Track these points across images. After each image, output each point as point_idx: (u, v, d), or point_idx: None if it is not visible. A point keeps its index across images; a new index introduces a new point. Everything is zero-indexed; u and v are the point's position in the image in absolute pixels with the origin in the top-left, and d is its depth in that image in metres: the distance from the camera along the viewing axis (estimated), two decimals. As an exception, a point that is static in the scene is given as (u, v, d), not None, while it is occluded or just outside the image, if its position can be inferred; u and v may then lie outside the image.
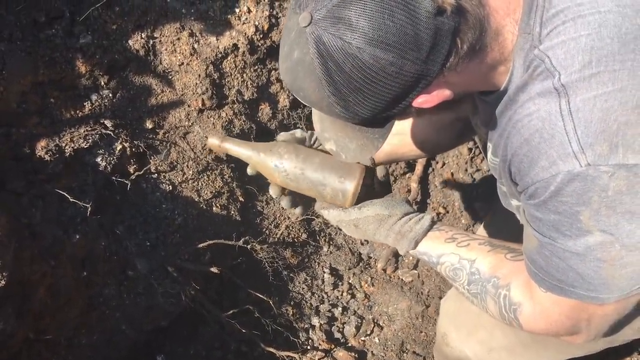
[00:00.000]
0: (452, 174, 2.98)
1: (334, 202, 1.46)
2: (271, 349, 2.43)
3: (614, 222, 1.02)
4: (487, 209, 2.88)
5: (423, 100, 1.08)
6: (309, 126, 2.61)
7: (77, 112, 2.07)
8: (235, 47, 2.26)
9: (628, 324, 1.32)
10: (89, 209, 2.00)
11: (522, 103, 1.08)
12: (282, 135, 1.54)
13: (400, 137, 1.74)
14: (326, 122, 1.26)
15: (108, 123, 2.11)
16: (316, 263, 2.81)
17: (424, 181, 2.99)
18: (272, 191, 1.52)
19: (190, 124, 2.29)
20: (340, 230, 2.77)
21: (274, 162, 1.44)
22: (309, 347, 2.62)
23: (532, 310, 1.24)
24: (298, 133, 1.55)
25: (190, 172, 2.33)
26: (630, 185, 0.99)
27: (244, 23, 2.26)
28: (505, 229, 1.44)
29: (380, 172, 1.56)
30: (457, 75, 1.07)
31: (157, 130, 2.25)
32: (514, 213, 1.89)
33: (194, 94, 2.24)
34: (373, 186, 1.54)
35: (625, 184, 0.99)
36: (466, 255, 1.38)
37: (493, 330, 1.62)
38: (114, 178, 2.13)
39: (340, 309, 2.75)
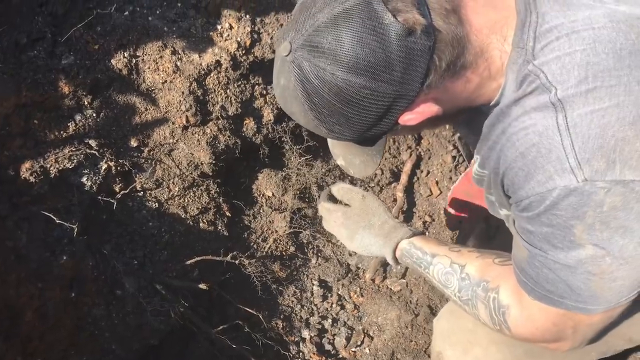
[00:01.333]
0: (437, 182, 3.00)
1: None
2: (262, 364, 2.43)
3: (607, 236, 1.04)
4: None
5: (409, 118, 1.11)
6: (294, 140, 2.62)
7: (61, 132, 2.07)
8: (218, 63, 2.26)
9: (611, 332, 1.34)
10: (76, 230, 2.00)
11: (517, 117, 1.10)
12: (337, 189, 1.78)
13: None
14: (334, 140, 1.36)
15: (92, 143, 2.11)
16: (305, 275, 2.82)
17: (409, 190, 3.01)
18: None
19: (175, 141, 2.30)
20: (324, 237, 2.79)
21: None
22: (299, 360, 2.62)
23: (519, 314, 1.27)
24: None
25: (176, 189, 2.33)
26: (625, 201, 1.00)
27: (226, 39, 2.28)
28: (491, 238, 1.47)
29: None
30: (444, 92, 1.09)
31: (142, 148, 2.25)
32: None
33: (178, 111, 2.24)
34: None
35: (621, 199, 1.00)
36: (457, 260, 1.42)
37: (488, 347, 1.64)
38: (99, 197, 2.12)
39: (330, 320, 2.75)
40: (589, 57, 1.03)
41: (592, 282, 1.09)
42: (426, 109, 1.11)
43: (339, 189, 1.72)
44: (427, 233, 1.57)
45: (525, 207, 1.11)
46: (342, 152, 1.36)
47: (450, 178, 2.96)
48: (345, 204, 1.72)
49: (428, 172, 3.01)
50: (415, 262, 1.50)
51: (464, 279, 1.39)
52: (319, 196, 1.84)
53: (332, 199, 1.77)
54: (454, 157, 2.97)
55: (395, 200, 2.98)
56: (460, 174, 2.98)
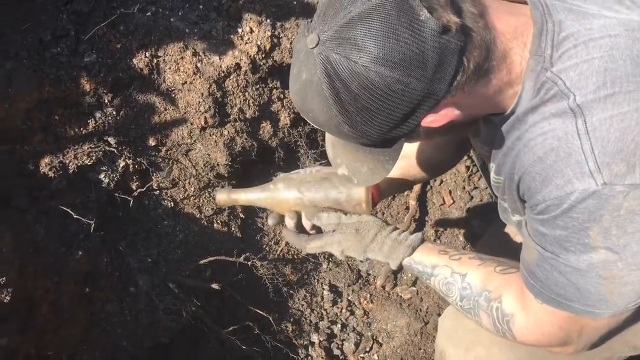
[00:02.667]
0: (450, 191, 3.00)
1: (354, 211, 1.51)
2: (271, 366, 2.44)
3: (623, 242, 1.04)
4: (484, 227, 2.90)
5: (432, 120, 1.10)
6: (309, 144, 2.64)
7: (81, 129, 2.09)
8: (238, 66, 2.29)
9: (615, 338, 1.35)
10: (92, 226, 2.02)
11: (534, 123, 1.10)
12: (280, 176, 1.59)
13: (406, 160, 1.78)
14: (338, 148, 1.28)
15: (111, 140, 2.14)
16: (315, 280, 2.83)
17: (422, 199, 3.02)
18: (271, 220, 1.56)
19: (192, 141, 2.32)
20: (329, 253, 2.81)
21: (286, 189, 1.50)
22: (308, 364, 2.63)
23: (525, 320, 1.27)
24: (293, 173, 1.59)
25: (192, 189, 2.35)
26: None
27: (246, 43, 2.30)
28: (500, 247, 1.47)
29: None
30: (465, 96, 1.09)
31: (160, 148, 2.28)
32: (511, 230, 1.93)
33: (196, 112, 2.27)
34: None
35: (639, 204, 1.01)
36: (458, 269, 1.41)
37: (490, 347, 1.64)
38: (116, 195, 2.15)
39: (339, 325, 2.76)
40: (606, 64, 1.04)
41: (602, 287, 1.10)
42: (448, 112, 1.11)
43: (327, 224, 1.51)
44: (429, 240, 1.52)
45: (541, 211, 1.11)
46: (346, 161, 1.30)
47: (464, 188, 2.97)
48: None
49: (441, 181, 3.02)
50: (417, 274, 1.50)
51: (466, 289, 1.38)
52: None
53: (303, 230, 1.59)
54: (467, 167, 2.97)
55: (407, 208, 2.99)
56: (474, 184, 2.98)
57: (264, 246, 2.66)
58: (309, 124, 2.63)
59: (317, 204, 1.50)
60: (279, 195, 1.51)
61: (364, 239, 1.48)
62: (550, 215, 1.09)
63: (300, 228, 1.57)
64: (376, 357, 2.68)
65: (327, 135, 1.31)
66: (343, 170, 1.30)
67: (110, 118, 2.15)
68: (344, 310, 2.80)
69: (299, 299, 2.75)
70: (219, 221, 2.45)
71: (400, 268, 1.51)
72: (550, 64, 1.08)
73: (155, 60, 2.20)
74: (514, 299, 1.29)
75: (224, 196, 1.57)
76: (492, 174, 1.36)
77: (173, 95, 2.25)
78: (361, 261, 2.90)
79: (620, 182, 1.00)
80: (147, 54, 2.18)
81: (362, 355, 2.69)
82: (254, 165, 2.65)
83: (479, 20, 1.04)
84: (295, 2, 2.36)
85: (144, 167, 2.22)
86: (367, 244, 1.49)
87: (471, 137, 1.50)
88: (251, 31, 2.30)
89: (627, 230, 1.03)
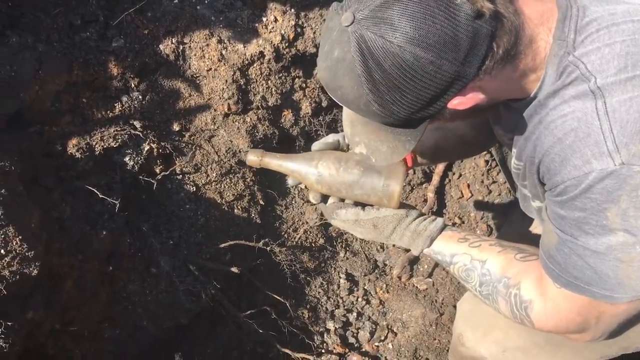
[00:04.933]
0: (468, 185, 3.02)
1: (380, 204, 1.50)
2: (287, 351, 2.47)
3: None
4: (502, 221, 2.92)
5: (458, 102, 1.12)
6: (330, 133, 2.66)
7: (108, 112, 2.14)
8: (262, 54, 2.32)
9: (634, 327, 1.36)
10: (117, 206, 2.07)
11: (555, 106, 1.13)
12: (316, 145, 1.58)
13: (442, 131, 1.78)
14: (357, 126, 1.29)
15: (137, 124, 2.18)
16: (332, 268, 2.86)
17: (440, 191, 3.04)
18: (312, 198, 1.56)
19: (215, 127, 2.36)
20: (350, 234, 2.83)
21: (313, 173, 1.49)
22: (323, 351, 2.66)
23: (543, 306, 1.28)
24: (330, 138, 1.59)
25: (214, 175, 2.39)
26: None
27: (270, 32, 2.34)
28: (519, 240, 1.47)
29: None
30: (491, 80, 1.11)
31: (184, 133, 2.32)
32: (529, 222, 1.94)
33: (220, 98, 2.31)
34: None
35: None
36: (477, 256, 1.42)
37: (508, 331, 1.66)
38: (140, 177, 2.19)
39: (355, 314, 2.79)
40: (628, 48, 1.06)
41: (620, 270, 1.11)
42: (475, 96, 1.13)
43: (345, 220, 1.53)
44: (449, 227, 1.51)
45: (560, 192, 1.13)
46: (365, 140, 1.30)
47: (482, 182, 2.98)
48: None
49: (460, 175, 3.04)
50: (437, 262, 1.51)
51: (485, 275, 1.40)
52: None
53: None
54: (486, 162, 2.98)
55: (425, 200, 3.01)
56: (492, 178, 2.99)
57: (283, 233, 2.69)
58: (330, 114, 2.67)
59: (343, 191, 1.50)
60: (305, 173, 1.51)
61: (383, 232, 1.50)
62: (569, 196, 1.11)
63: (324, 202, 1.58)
64: (391, 346, 2.71)
65: (345, 114, 1.33)
66: (361, 149, 1.31)
67: (136, 102, 2.19)
68: (359, 299, 2.83)
69: (315, 286, 2.79)
70: (239, 207, 2.49)
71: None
72: (573, 48, 1.10)
73: (181, 47, 2.24)
74: (533, 286, 1.30)
75: (255, 158, 1.57)
76: (513, 160, 1.38)
77: (198, 82, 2.30)
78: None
79: (638, 162, 1.02)
80: (174, 41, 2.22)
81: (376, 344, 2.72)
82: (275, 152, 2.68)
83: (509, 6, 1.07)
84: (319, -7, 2.39)
85: (168, 152, 2.26)
86: (386, 237, 1.51)
87: (492, 124, 1.52)
88: (275, 20, 2.34)
89: None
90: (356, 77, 1.09)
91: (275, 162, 1.56)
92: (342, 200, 1.54)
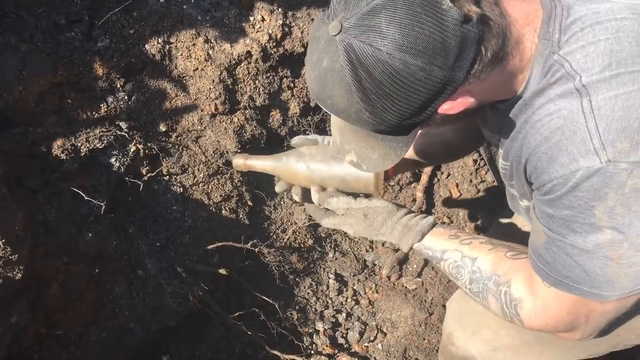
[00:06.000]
0: (457, 184, 3.02)
1: (361, 191, 1.53)
2: (276, 352, 2.45)
3: (628, 221, 1.06)
4: (490, 220, 2.92)
5: (448, 107, 1.12)
6: (318, 134, 2.65)
7: (93, 113, 2.12)
8: (249, 54, 2.31)
9: (622, 325, 1.36)
10: (102, 208, 2.05)
11: (541, 105, 1.13)
12: (296, 139, 1.61)
13: (426, 137, 1.79)
14: (347, 134, 1.29)
15: (123, 125, 2.16)
16: (321, 269, 2.85)
17: (429, 191, 3.03)
18: (295, 195, 1.59)
19: (202, 128, 2.34)
20: (339, 232, 2.82)
21: (297, 163, 1.54)
22: (312, 352, 2.65)
23: (533, 305, 1.28)
24: (310, 136, 1.61)
25: (201, 175, 2.38)
26: None
27: (257, 31, 2.32)
28: (507, 239, 1.47)
29: None
30: (480, 83, 1.11)
31: (170, 134, 2.30)
32: (518, 221, 1.94)
33: (207, 98, 2.29)
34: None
35: None
36: (468, 253, 1.42)
37: (498, 330, 1.66)
38: (127, 178, 2.17)
39: (344, 314, 2.78)
40: (612, 46, 1.06)
41: (608, 268, 1.11)
42: (464, 100, 1.13)
43: (336, 208, 1.54)
44: (440, 224, 1.52)
45: (547, 191, 1.13)
46: (355, 147, 1.30)
47: (471, 181, 2.98)
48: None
49: (449, 174, 3.03)
50: (427, 258, 1.51)
51: (475, 272, 1.39)
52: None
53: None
54: (475, 161, 2.98)
55: (414, 200, 3.00)
56: (481, 178, 2.99)
57: (271, 234, 2.68)
58: (318, 114, 2.66)
59: (325, 181, 1.53)
60: (290, 168, 1.56)
61: (373, 224, 1.50)
62: (557, 195, 1.11)
63: (307, 201, 1.60)
64: (380, 347, 2.70)
65: (334, 122, 1.33)
66: (351, 157, 1.31)
67: (122, 103, 2.17)
68: (349, 300, 2.82)
69: (304, 287, 2.77)
70: (227, 208, 2.47)
71: (411, 252, 1.53)
72: (558, 47, 1.10)
73: (167, 47, 2.22)
74: (523, 284, 1.30)
75: (241, 161, 1.65)
76: (500, 160, 1.37)
77: (184, 82, 2.28)
78: (371, 241, 2.92)
79: (624, 159, 1.02)
80: (160, 40, 2.20)
81: (366, 344, 2.71)
82: (263, 153, 2.67)
83: (495, 8, 1.07)
84: (306, -8, 2.38)
85: (154, 152, 2.24)
86: (376, 229, 1.50)
87: (481, 126, 1.51)
88: (263, 20, 2.32)
89: (631, 209, 1.05)
90: (346, 86, 1.09)
91: (260, 163, 1.61)
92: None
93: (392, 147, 1.24)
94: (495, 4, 1.07)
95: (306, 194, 1.59)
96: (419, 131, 1.23)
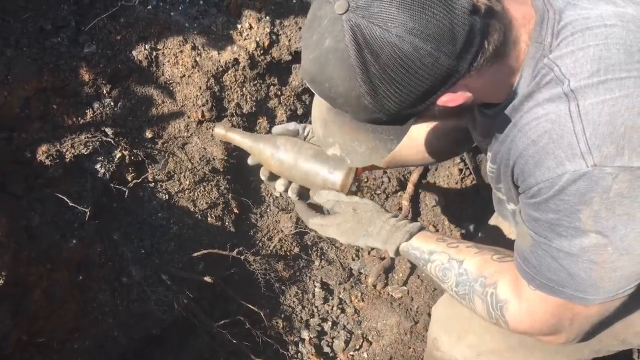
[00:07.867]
0: (443, 193, 3.03)
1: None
2: (260, 361, 2.45)
3: (612, 225, 1.07)
4: (476, 229, 2.93)
5: (447, 99, 1.11)
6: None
7: (79, 119, 2.11)
8: (236, 61, 2.31)
9: (605, 330, 1.37)
10: (87, 215, 2.03)
11: (529, 109, 1.13)
12: (276, 128, 1.62)
13: (405, 138, 1.79)
14: (332, 127, 1.26)
15: (109, 131, 2.15)
16: (307, 277, 2.84)
17: (415, 200, 3.04)
18: (262, 175, 1.61)
19: (189, 134, 2.34)
20: (328, 239, 2.82)
21: (271, 152, 1.56)
22: (298, 360, 2.64)
23: (518, 307, 1.29)
24: (291, 126, 1.61)
25: (187, 182, 2.37)
26: (631, 188, 1.04)
27: (245, 39, 2.32)
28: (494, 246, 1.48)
29: None
30: (478, 79, 1.11)
31: (156, 140, 2.29)
32: (504, 229, 1.95)
33: (194, 105, 2.29)
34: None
35: (627, 186, 1.04)
36: (455, 256, 1.42)
37: (482, 335, 1.67)
38: (112, 185, 2.16)
39: (330, 323, 2.77)
40: (601, 52, 1.07)
41: (593, 272, 1.12)
42: (463, 94, 1.12)
43: (326, 201, 1.55)
44: (427, 230, 1.54)
45: (534, 194, 1.14)
46: (340, 140, 1.26)
47: (457, 190, 3.00)
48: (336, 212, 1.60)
49: (434, 183, 3.05)
50: (414, 260, 1.51)
51: (462, 275, 1.40)
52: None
53: (315, 207, 1.64)
54: (460, 170, 3.00)
55: (400, 208, 3.01)
56: (466, 186, 3.01)
57: (257, 242, 2.67)
58: (305, 121, 2.66)
59: (294, 177, 1.57)
60: (265, 157, 1.57)
61: (362, 219, 1.49)
62: (543, 198, 1.11)
63: (271, 183, 1.63)
64: (365, 355, 2.70)
65: (317, 113, 1.30)
66: (335, 150, 1.28)
67: (108, 109, 2.16)
68: (334, 308, 2.82)
69: (290, 296, 2.76)
70: (212, 215, 2.46)
71: (397, 254, 1.52)
72: (549, 51, 1.11)
73: (154, 53, 2.22)
74: (509, 286, 1.30)
75: (222, 132, 1.64)
76: (487, 163, 1.38)
77: (171, 88, 2.27)
78: (357, 248, 2.92)
79: (610, 163, 1.03)
80: (147, 47, 2.20)
81: (351, 353, 2.71)
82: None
83: (498, 4, 1.07)
84: (294, 1, 2.38)
85: (140, 159, 2.24)
86: (365, 226, 1.50)
87: (471, 130, 1.52)
88: (250, 27, 2.32)
89: (615, 212, 1.06)
90: (349, 68, 1.05)
91: (239, 139, 1.62)
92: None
93: (382, 139, 1.22)
94: (498, 1, 1.08)
95: (273, 177, 1.62)
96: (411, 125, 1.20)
